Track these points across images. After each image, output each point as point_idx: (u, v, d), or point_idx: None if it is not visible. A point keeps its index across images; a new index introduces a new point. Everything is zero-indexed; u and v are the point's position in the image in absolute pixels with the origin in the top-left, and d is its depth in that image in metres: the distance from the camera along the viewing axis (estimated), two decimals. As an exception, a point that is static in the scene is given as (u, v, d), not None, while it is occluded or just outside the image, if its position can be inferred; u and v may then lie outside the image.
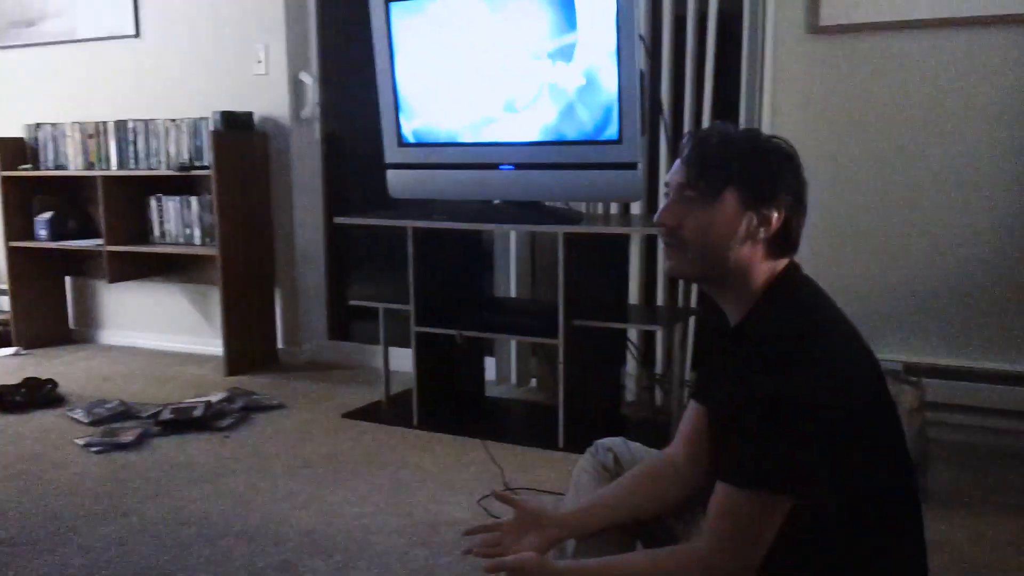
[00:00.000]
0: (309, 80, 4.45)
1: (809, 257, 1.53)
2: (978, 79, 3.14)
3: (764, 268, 1.48)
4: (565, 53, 3.10)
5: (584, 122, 3.13)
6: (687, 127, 3.51)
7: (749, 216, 1.45)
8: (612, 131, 3.07)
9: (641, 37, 3.27)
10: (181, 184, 4.55)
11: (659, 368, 3.69)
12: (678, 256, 1.52)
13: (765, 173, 1.45)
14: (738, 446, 1.38)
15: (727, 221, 1.45)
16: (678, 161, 1.51)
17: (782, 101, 3.38)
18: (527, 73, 3.19)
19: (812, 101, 3.37)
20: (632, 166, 3.07)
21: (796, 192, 1.47)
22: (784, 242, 1.48)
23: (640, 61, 3.06)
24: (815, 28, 3.31)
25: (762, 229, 1.45)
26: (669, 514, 1.74)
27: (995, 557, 2.38)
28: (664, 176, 3.54)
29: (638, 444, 1.85)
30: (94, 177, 4.54)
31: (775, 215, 1.45)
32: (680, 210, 1.49)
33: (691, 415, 1.73)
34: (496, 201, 3.48)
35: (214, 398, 3.73)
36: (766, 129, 3.32)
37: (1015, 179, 3.13)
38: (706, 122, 3.47)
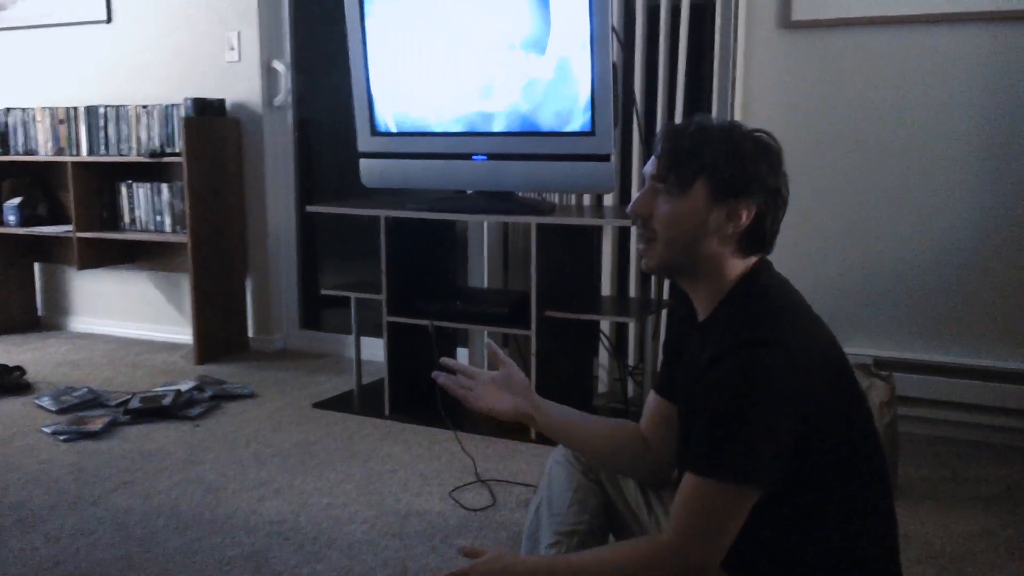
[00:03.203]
0: (282, 68, 4.42)
1: (780, 252, 1.53)
2: (949, 75, 3.16)
3: (735, 264, 1.48)
4: (538, 44, 3.10)
5: (557, 113, 3.13)
6: (660, 119, 3.52)
7: (719, 210, 1.45)
8: (585, 123, 3.08)
9: (614, 29, 3.27)
10: (152, 170, 4.52)
11: (631, 359, 3.70)
12: (650, 248, 1.52)
13: (737, 167, 1.44)
14: (704, 436, 1.38)
15: (696, 213, 1.45)
16: (653, 153, 1.51)
17: (754, 95, 3.40)
18: (500, 63, 3.19)
19: (784, 95, 3.39)
20: (605, 158, 3.08)
21: (771, 188, 1.46)
22: (756, 238, 1.48)
23: (613, 53, 3.06)
24: (787, 23, 3.32)
25: (731, 224, 1.45)
26: (628, 474, 1.77)
27: (965, 550, 2.40)
28: (636, 168, 3.57)
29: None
30: (64, 163, 4.49)
31: (745, 211, 1.44)
32: (651, 201, 1.49)
33: (651, 407, 1.75)
34: (469, 191, 3.48)
35: (184, 387, 3.71)
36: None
37: (986, 175, 3.16)
38: (679, 115, 3.48)
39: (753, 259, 1.50)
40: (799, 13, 3.29)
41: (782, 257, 1.54)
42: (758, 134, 1.48)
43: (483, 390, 1.75)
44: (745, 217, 1.45)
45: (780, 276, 1.53)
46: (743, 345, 1.36)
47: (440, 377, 1.75)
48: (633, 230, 3.57)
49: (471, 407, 1.75)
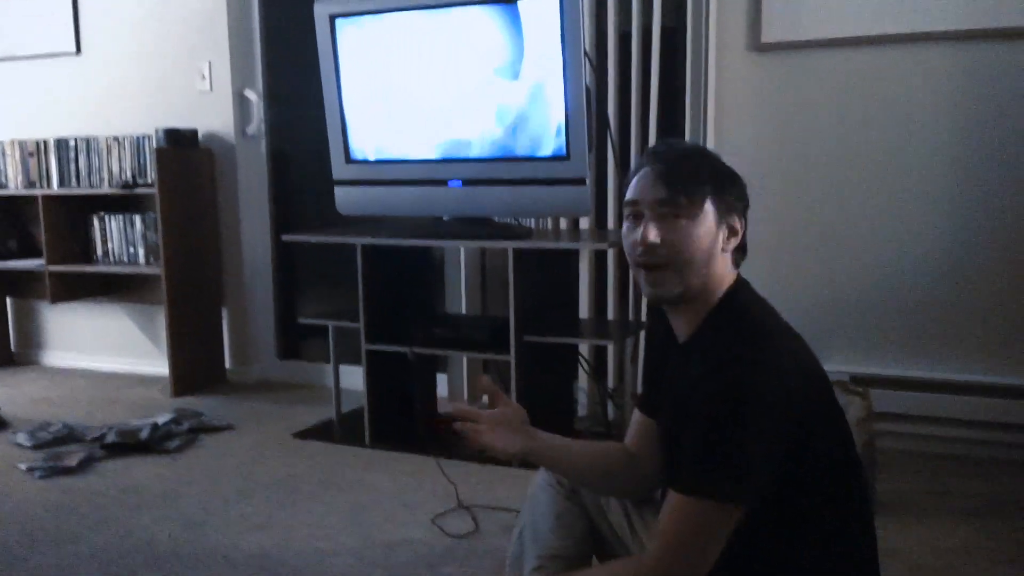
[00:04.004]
0: (254, 97, 4.42)
1: (756, 270, 1.56)
2: (919, 93, 3.21)
3: (727, 281, 1.51)
4: (512, 70, 3.11)
5: (532, 138, 3.14)
6: (634, 143, 3.54)
7: (722, 228, 1.49)
8: (560, 147, 3.09)
9: (587, 53, 3.29)
10: (124, 202, 4.49)
11: (611, 382, 3.70)
12: (662, 276, 1.48)
13: (732, 184, 1.50)
14: (691, 454, 1.39)
15: (711, 234, 1.48)
16: (647, 179, 1.48)
17: (726, 117, 3.43)
18: (474, 90, 3.20)
19: (756, 117, 3.42)
20: (580, 182, 3.09)
21: (747, 200, 1.53)
22: (743, 251, 1.53)
23: (586, 77, 3.08)
24: (757, 45, 3.36)
25: (732, 239, 1.50)
26: (620, 494, 1.76)
27: (945, 564, 2.42)
28: (612, 191, 3.58)
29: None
30: (35, 196, 4.45)
31: (739, 224, 1.50)
32: (664, 227, 1.47)
33: (636, 423, 1.76)
34: (445, 217, 3.48)
35: (161, 420, 3.67)
36: (711, 145, 3.36)
37: (958, 193, 3.20)
38: (652, 138, 3.50)
39: (734, 276, 1.53)
40: (768, 36, 3.33)
41: (757, 275, 1.57)
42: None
43: (487, 430, 1.69)
44: (740, 229, 1.51)
45: (758, 295, 1.55)
46: (730, 363, 1.38)
47: (457, 425, 1.69)
48: (611, 253, 3.58)
49: (489, 450, 1.68)
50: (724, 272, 1.50)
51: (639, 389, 3.48)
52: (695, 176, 1.46)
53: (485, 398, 1.76)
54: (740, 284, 1.53)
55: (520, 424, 1.72)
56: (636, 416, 1.76)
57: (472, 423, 1.67)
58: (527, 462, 1.75)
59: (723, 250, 1.49)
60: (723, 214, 1.48)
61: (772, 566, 1.46)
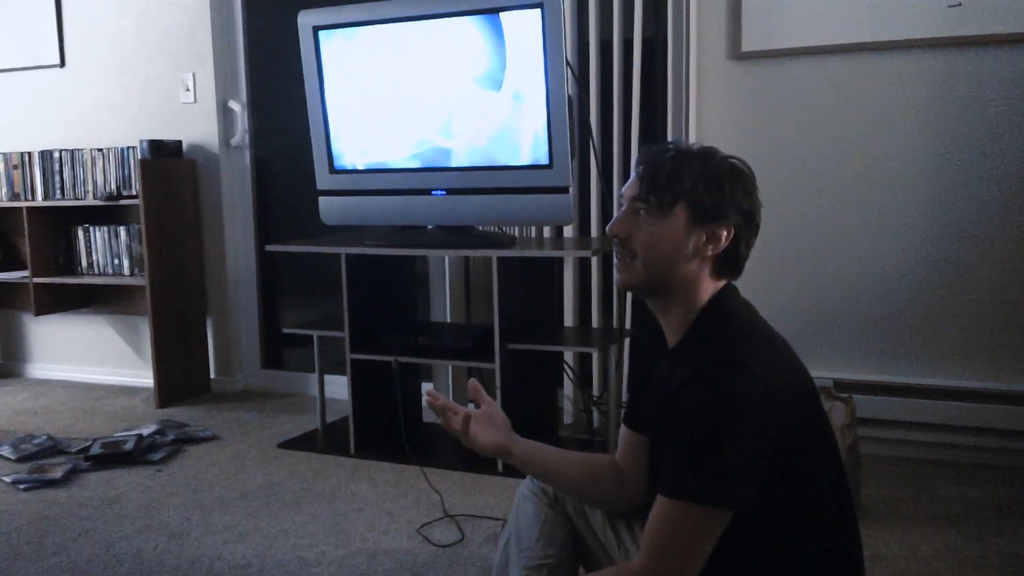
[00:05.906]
0: (238, 107, 4.42)
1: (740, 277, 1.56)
2: (895, 101, 3.23)
3: (708, 287, 1.51)
4: (494, 80, 3.13)
5: (514, 147, 3.16)
6: (616, 151, 3.56)
7: (698, 233, 1.48)
8: (542, 156, 3.10)
9: (568, 63, 3.31)
10: (109, 214, 4.49)
11: (596, 389, 3.71)
12: (627, 267, 1.53)
13: (715, 191, 1.48)
14: (676, 459, 1.39)
15: (676, 236, 1.48)
16: (633, 176, 1.54)
17: (707, 125, 3.44)
18: (457, 100, 3.21)
19: (736, 125, 3.44)
20: (563, 190, 3.11)
21: (747, 212, 1.51)
22: (730, 262, 1.52)
23: (568, 86, 3.09)
24: (737, 54, 3.38)
25: (710, 247, 1.49)
26: (604, 506, 1.76)
27: (931, 569, 2.42)
28: (595, 199, 3.60)
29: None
30: (19, 208, 4.45)
31: (724, 233, 1.48)
32: (631, 222, 1.51)
33: (623, 439, 1.76)
34: (429, 226, 3.49)
35: (145, 431, 3.67)
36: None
37: (934, 198, 3.22)
38: (635, 146, 3.52)
39: (722, 283, 1.53)
40: (749, 44, 3.35)
41: (740, 282, 1.57)
42: (732, 160, 1.53)
43: (460, 422, 1.71)
44: (724, 240, 1.49)
45: (746, 302, 1.56)
46: (714, 367, 1.38)
47: (443, 424, 1.72)
48: (595, 261, 3.60)
49: (464, 440, 1.71)
50: (700, 276, 1.50)
51: (624, 397, 3.50)
52: (670, 177, 1.47)
53: (471, 405, 1.77)
54: (727, 290, 1.53)
55: (500, 425, 1.74)
56: (623, 431, 1.76)
57: (452, 412, 1.70)
58: (509, 466, 1.75)
59: (700, 256, 1.49)
60: (700, 219, 1.48)
61: (757, 571, 1.46)
